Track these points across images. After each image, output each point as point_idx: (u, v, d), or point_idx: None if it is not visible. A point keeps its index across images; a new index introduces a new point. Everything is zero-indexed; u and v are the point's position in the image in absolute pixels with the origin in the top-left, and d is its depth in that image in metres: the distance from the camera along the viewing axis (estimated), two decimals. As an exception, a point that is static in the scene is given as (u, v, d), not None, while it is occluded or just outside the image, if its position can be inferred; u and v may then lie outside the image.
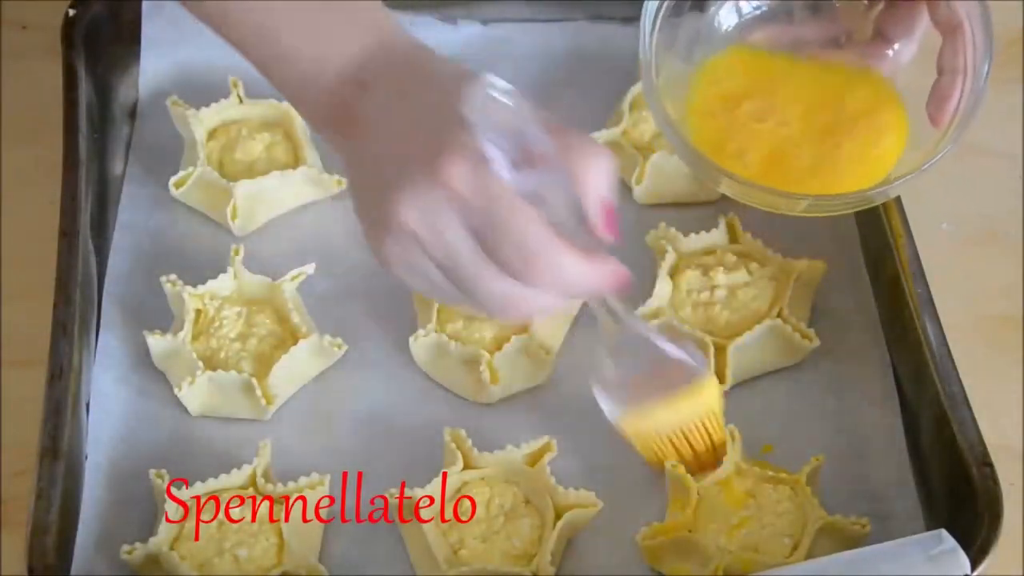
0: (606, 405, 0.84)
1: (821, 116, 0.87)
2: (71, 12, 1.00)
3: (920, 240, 0.91)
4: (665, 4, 0.87)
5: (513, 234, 0.70)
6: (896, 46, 0.87)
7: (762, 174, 0.86)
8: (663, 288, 0.92)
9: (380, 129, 0.75)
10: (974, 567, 0.77)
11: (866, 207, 0.87)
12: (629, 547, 0.83)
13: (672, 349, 0.82)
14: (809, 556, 0.81)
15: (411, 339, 0.91)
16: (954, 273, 0.96)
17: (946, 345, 0.87)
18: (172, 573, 0.81)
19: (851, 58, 0.88)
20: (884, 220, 0.93)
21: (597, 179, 0.72)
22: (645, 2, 0.87)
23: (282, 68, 0.79)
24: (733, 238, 0.96)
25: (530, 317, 0.75)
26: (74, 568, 0.82)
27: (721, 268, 0.93)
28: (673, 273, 0.93)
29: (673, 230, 0.95)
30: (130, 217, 0.98)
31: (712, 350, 0.90)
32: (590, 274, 0.72)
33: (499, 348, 0.89)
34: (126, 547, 0.81)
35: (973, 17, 0.83)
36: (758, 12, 0.91)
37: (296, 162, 0.99)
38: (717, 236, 0.95)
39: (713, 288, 0.92)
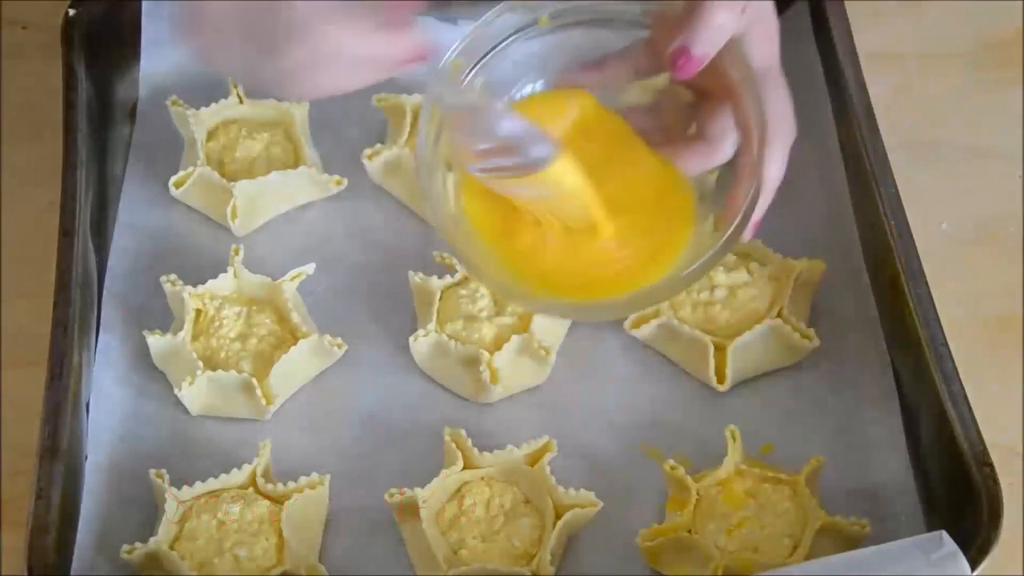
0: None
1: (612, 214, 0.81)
2: (71, 12, 1.00)
3: (920, 240, 0.91)
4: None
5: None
6: (712, 145, 0.81)
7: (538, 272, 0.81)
8: (663, 288, 0.92)
9: None
10: (974, 567, 0.77)
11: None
12: (629, 547, 0.83)
13: (511, 126, 0.76)
14: (809, 556, 0.81)
15: (411, 339, 0.91)
16: (954, 273, 0.96)
17: (946, 345, 0.87)
18: (172, 573, 0.81)
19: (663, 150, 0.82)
20: (884, 220, 0.93)
21: None
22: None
23: None
24: (733, 238, 0.96)
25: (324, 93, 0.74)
26: (74, 568, 0.83)
27: (721, 268, 0.93)
28: (673, 273, 0.93)
29: (673, 230, 0.94)
30: (130, 217, 0.98)
31: (712, 350, 0.90)
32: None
33: (499, 348, 0.89)
34: (126, 547, 0.81)
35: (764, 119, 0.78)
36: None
37: (296, 162, 0.99)
38: (717, 236, 0.95)
39: (713, 287, 0.92)
